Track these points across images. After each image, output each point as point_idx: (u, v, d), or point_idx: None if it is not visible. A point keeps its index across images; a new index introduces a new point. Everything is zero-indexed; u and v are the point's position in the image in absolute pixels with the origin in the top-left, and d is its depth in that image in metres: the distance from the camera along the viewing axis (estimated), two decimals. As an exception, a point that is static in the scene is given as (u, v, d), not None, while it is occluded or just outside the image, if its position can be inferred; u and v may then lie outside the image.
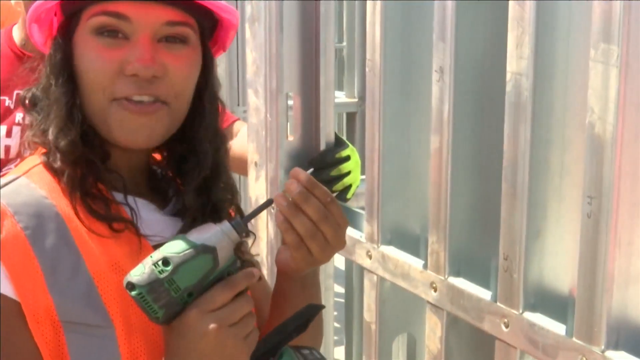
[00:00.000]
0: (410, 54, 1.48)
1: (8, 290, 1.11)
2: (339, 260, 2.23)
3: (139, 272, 1.08)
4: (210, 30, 1.30)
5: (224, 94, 3.69)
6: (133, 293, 1.07)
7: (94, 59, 1.17)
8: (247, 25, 1.88)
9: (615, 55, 1.02)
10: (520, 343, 1.22)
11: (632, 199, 1.06)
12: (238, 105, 3.69)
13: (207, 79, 1.28)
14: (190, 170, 1.28)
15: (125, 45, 1.17)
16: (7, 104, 2.11)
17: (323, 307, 1.29)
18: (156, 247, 1.14)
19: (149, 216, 1.24)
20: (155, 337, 1.16)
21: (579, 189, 1.11)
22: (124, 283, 1.08)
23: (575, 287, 1.12)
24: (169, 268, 1.07)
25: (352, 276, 3.50)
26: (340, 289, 3.68)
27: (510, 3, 1.18)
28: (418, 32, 1.47)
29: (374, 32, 1.48)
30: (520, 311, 1.22)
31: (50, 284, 1.12)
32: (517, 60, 1.18)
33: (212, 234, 1.11)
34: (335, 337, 2.16)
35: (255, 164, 1.89)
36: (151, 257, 1.09)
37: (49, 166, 1.19)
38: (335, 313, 2.13)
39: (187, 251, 1.08)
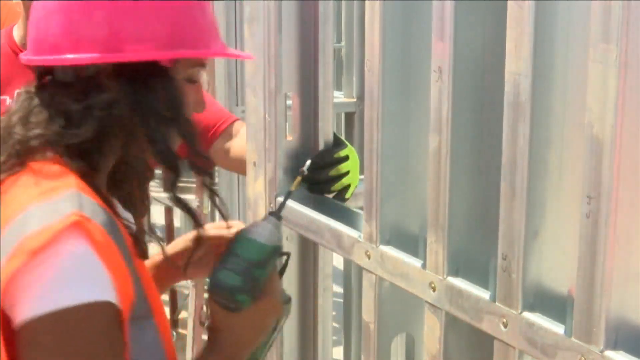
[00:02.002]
0: (409, 54, 1.48)
1: (114, 299, 1.18)
2: (337, 260, 2.23)
3: (240, 281, 1.30)
4: None
5: (223, 93, 3.70)
6: (238, 298, 1.31)
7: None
8: (245, 25, 1.88)
9: (614, 55, 1.02)
10: (519, 343, 1.22)
11: (631, 198, 1.06)
12: (237, 105, 3.70)
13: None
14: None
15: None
16: (8, 102, 2.11)
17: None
18: None
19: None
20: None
21: (577, 189, 1.11)
22: (225, 290, 1.33)
23: (574, 286, 1.12)
24: (260, 272, 1.32)
25: (351, 276, 3.50)
26: (338, 289, 3.68)
27: (509, 3, 1.18)
28: (417, 32, 1.47)
29: (373, 32, 1.48)
30: (519, 311, 1.22)
31: (133, 284, 1.23)
32: (516, 60, 1.18)
33: (274, 234, 1.34)
34: (334, 337, 2.15)
35: (254, 163, 1.89)
36: (244, 261, 1.30)
37: (83, 176, 1.27)
38: (334, 313, 2.13)
39: (267, 253, 1.32)
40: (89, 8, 1.25)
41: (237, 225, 1.53)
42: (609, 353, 1.08)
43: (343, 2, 3.96)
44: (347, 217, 1.69)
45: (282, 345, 1.93)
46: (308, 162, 1.35)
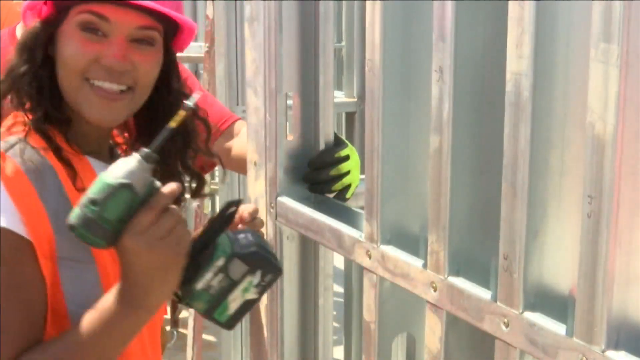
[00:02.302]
0: (409, 54, 1.48)
1: (22, 230, 1.33)
2: (338, 260, 2.23)
3: (75, 215, 1.28)
4: (173, 34, 1.59)
5: (223, 93, 3.70)
6: (75, 233, 1.28)
7: (75, 47, 1.45)
8: (246, 25, 1.88)
9: (616, 54, 1.02)
10: (520, 343, 1.22)
11: (633, 198, 1.06)
12: (237, 104, 3.70)
13: (167, 74, 1.59)
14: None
15: (104, 42, 1.45)
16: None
17: (241, 200, 1.54)
18: None
19: (103, 169, 1.44)
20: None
21: (579, 189, 1.10)
22: (67, 226, 1.29)
23: (575, 286, 1.12)
24: (97, 208, 1.27)
25: (352, 276, 3.51)
26: (338, 289, 3.68)
27: (510, 3, 1.18)
28: (417, 31, 1.47)
29: (374, 32, 1.48)
30: (520, 311, 1.22)
31: (52, 224, 1.36)
32: (517, 60, 1.18)
33: (126, 170, 1.29)
34: (335, 337, 2.15)
35: (255, 163, 1.89)
36: (81, 200, 1.29)
37: (39, 131, 1.44)
38: (334, 313, 2.13)
39: (108, 191, 1.27)
40: None
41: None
42: (610, 353, 1.08)
43: (343, 1, 3.96)
44: (348, 217, 1.69)
45: (282, 345, 1.93)
46: (195, 96, 1.37)
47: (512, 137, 1.20)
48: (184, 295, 1.39)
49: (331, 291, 2.00)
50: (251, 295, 1.41)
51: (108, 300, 1.35)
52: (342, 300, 3.65)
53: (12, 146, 1.40)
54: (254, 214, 1.69)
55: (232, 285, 1.39)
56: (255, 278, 1.40)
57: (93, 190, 1.29)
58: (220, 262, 1.38)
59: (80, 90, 1.46)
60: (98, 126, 1.50)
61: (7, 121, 1.47)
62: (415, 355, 1.67)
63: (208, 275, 1.37)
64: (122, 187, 1.28)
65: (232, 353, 3.77)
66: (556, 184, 1.21)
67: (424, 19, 1.42)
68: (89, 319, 1.34)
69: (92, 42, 1.45)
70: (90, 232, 1.28)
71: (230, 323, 1.43)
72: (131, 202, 1.29)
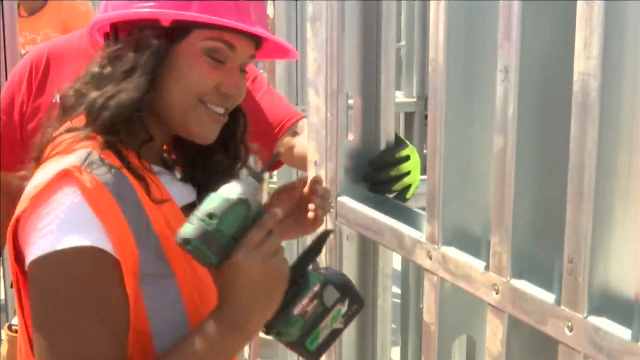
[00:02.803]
0: (473, 54, 1.47)
1: (108, 247, 1.27)
2: (396, 261, 2.22)
3: (190, 229, 1.28)
4: None
5: (283, 92, 3.71)
6: (188, 247, 1.27)
7: (201, 72, 1.43)
8: (308, 25, 1.88)
9: (688, 55, 1.00)
10: (584, 347, 1.20)
11: (703, 202, 1.04)
12: (297, 104, 3.71)
13: None
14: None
15: (222, 68, 1.45)
16: None
17: (332, 231, 1.62)
18: (183, 208, 1.43)
19: (169, 183, 1.47)
20: (205, 282, 1.37)
21: (647, 192, 1.09)
22: (178, 240, 1.28)
23: (642, 291, 1.11)
24: (215, 221, 1.28)
25: (409, 276, 3.49)
26: (395, 289, 3.67)
27: (579, 3, 1.16)
28: (482, 31, 1.45)
29: (437, 32, 1.47)
30: (585, 315, 1.20)
31: (136, 239, 1.30)
32: (585, 60, 1.16)
33: (242, 187, 1.32)
34: (392, 338, 2.15)
35: (315, 163, 1.89)
36: (195, 214, 1.29)
37: (111, 147, 1.37)
38: (392, 314, 2.13)
39: (226, 205, 1.29)
40: None
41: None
42: (678, 359, 1.06)
43: (403, 1, 3.95)
44: (408, 217, 1.68)
45: (340, 345, 1.93)
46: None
47: (579, 138, 1.18)
48: (277, 322, 1.37)
49: (390, 292, 1.99)
50: (338, 324, 1.42)
51: (208, 322, 1.32)
52: (399, 301, 3.64)
53: (85, 159, 1.32)
54: (321, 191, 1.71)
55: (324, 312, 1.40)
56: (344, 307, 1.42)
57: (210, 205, 1.29)
58: (316, 287, 1.39)
59: (193, 110, 1.44)
60: (200, 143, 1.49)
61: (64, 136, 1.40)
62: (475, 358, 1.66)
63: (305, 301, 1.38)
64: (240, 202, 1.31)
65: (289, 351, 3.78)
66: (623, 187, 1.19)
67: (487, 19, 1.41)
68: (189, 342, 1.30)
69: (215, 69, 1.44)
70: (206, 246, 1.28)
71: (319, 352, 1.42)
72: (245, 218, 1.31)
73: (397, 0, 3.57)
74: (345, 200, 1.81)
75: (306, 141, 1.96)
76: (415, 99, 3.91)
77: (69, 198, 1.26)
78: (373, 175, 1.82)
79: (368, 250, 1.91)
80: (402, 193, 1.84)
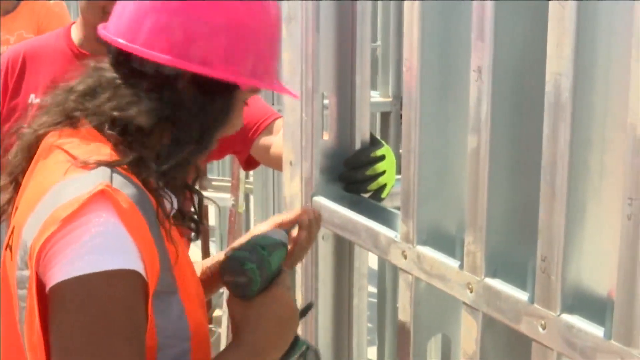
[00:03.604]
0: (448, 54, 1.48)
1: (140, 268, 1.24)
2: (372, 260, 2.23)
3: (251, 254, 1.45)
4: None
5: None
6: (247, 267, 1.42)
7: (240, 117, 1.47)
8: (283, 25, 1.88)
9: (658, 55, 1.01)
10: (557, 345, 1.21)
11: (674, 200, 1.05)
12: (273, 104, 3.71)
13: None
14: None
15: None
16: None
17: (313, 304, 1.74)
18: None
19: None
20: (201, 298, 1.44)
21: (618, 191, 1.10)
22: (232, 263, 1.43)
23: (614, 289, 1.11)
24: (267, 254, 1.46)
25: (385, 276, 3.50)
26: (372, 289, 3.68)
27: (551, 3, 1.17)
28: (456, 31, 1.46)
29: (412, 32, 1.47)
30: (558, 313, 1.21)
31: (159, 259, 1.29)
32: (557, 60, 1.17)
33: (282, 235, 1.55)
34: (368, 337, 2.15)
35: (290, 162, 1.89)
36: (249, 243, 1.48)
37: (134, 172, 1.32)
38: (368, 313, 2.13)
39: (277, 244, 1.50)
40: (195, 21, 1.33)
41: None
42: (650, 356, 1.07)
43: (379, 1, 3.96)
44: (383, 217, 1.68)
45: (316, 345, 1.93)
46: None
47: (552, 138, 1.19)
48: None
49: (366, 291, 1.99)
50: None
51: (233, 350, 1.41)
52: (375, 300, 3.65)
53: (112, 177, 1.28)
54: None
55: None
56: None
57: (264, 241, 1.49)
58: (303, 348, 1.55)
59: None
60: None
61: (76, 148, 1.34)
62: (450, 356, 1.66)
63: (293, 358, 1.54)
64: (284, 246, 1.53)
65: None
66: (596, 186, 1.20)
67: (462, 19, 1.42)
68: None
69: None
70: (259, 272, 1.43)
71: None
72: (283, 260, 1.52)
73: (372, 0, 3.57)
74: (321, 200, 1.81)
75: (281, 141, 1.96)
76: (391, 99, 3.92)
77: (105, 219, 1.23)
78: (348, 175, 1.83)
79: (344, 250, 1.91)
80: (378, 193, 1.84)
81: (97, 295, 1.22)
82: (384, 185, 1.84)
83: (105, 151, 1.32)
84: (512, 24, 1.30)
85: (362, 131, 1.83)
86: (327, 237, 1.89)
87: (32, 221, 1.28)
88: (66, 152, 1.33)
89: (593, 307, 1.20)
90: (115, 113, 1.33)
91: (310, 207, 1.67)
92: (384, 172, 1.83)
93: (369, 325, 2.98)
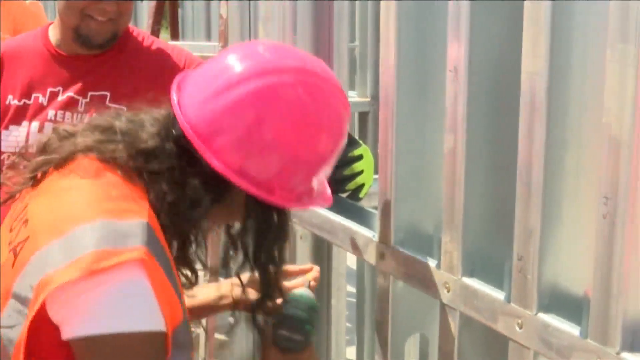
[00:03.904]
0: (424, 54, 1.48)
1: (164, 327, 1.23)
2: (350, 260, 2.23)
3: (306, 315, 1.52)
4: None
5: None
6: (307, 328, 1.51)
7: None
8: (260, 25, 1.88)
9: (632, 55, 1.02)
10: (534, 344, 1.21)
11: (649, 199, 1.05)
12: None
13: None
14: None
15: None
16: (40, 100, 2.13)
17: None
18: None
19: None
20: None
21: (594, 190, 1.10)
22: (297, 321, 1.50)
23: (590, 288, 1.12)
24: (316, 316, 1.55)
25: (364, 276, 3.49)
26: (351, 289, 3.67)
27: (526, 2, 1.17)
28: (432, 31, 1.46)
29: (388, 32, 1.47)
30: (535, 312, 1.21)
31: (180, 318, 1.28)
32: (533, 60, 1.17)
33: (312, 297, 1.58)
34: (347, 337, 2.15)
35: (268, 163, 1.89)
36: (306, 304, 1.53)
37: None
38: (347, 312, 2.13)
39: (315, 309, 1.55)
40: (270, 146, 1.29)
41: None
42: (625, 355, 1.07)
43: (357, 1, 3.95)
44: (361, 217, 1.68)
45: (295, 345, 1.92)
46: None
47: (527, 137, 1.19)
48: None
49: (344, 291, 2.00)
50: None
51: None
52: (354, 300, 3.65)
53: (146, 236, 1.26)
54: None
55: None
56: None
57: (312, 303, 1.55)
58: None
59: None
60: None
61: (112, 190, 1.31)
62: (428, 355, 1.67)
63: None
64: (317, 311, 1.59)
65: (245, 353, 3.77)
66: (571, 185, 1.20)
67: (438, 19, 1.42)
68: None
69: None
70: (312, 330, 1.52)
71: None
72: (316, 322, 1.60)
73: (350, 0, 3.57)
74: (299, 200, 1.81)
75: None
76: (369, 99, 3.91)
77: (138, 282, 1.22)
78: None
79: (322, 250, 1.91)
80: (355, 192, 1.84)
81: (126, 354, 1.22)
82: (362, 185, 1.84)
83: (143, 204, 1.29)
84: (487, 24, 1.31)
85: (340, 131, 1.83)
86: (305, 236, 1.89)
87: (55, 249, 1.23)
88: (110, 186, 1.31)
89: (569, 306, 1.20)
90: (167, 188, 1.32)
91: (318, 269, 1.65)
92: (361, 172, 1.83)
93: (348, 325, 2.97)
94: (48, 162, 1.37)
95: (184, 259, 1.42)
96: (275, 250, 1.41)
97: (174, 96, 1.34)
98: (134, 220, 1.24)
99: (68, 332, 1.21)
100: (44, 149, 1.40)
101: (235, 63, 1.31)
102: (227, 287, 1.62)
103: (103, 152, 1.33)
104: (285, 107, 1.28)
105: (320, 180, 1.40)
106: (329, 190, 1.48)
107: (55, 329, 1.22)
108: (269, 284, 1.44)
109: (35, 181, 1.38)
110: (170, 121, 1.34)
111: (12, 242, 1.32)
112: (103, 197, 1.28)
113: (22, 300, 1.24)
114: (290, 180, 1.32)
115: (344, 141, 1.39)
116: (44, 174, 1.37)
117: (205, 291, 1.65)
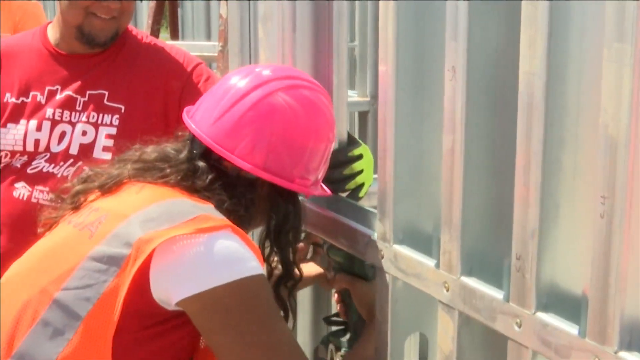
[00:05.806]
0: (423, 53, 1.48)
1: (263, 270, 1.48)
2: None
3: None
4: None
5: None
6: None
7: None
8: (260, 25, 1.88)
9: (629, 54, 1.02)
10: (532, 343, 1.22)
11: (646, 199, 1.06)
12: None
13: None
14: None
15: None
16: (38, 99, 2.14)
17: None
18: None
19: None
20: None
21: (592, 189, 1.10)
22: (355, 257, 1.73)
23: (588, 287, 1.12)
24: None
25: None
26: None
27: (523, 3, 1.18)
28: (431, 31, 1.46)
29: (387, 32, 1.48)
30: (533, 311, 1.21)
31: None
32: (530, 60, 1.18)
33: None
34: (347, 336, 2.16)
35: (268, 162, 1.89)
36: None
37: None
38: (347, 312, 2.13)
39: None
40: (294, 144, 1.57)
41: None
42: (623, 354, 1.08)
43: (357, 1, 3.96)
44: (360, 216, 1.69)
45: (295, 344, 1.93)
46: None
47: (525, 137, 1.20)
48: None
49: (344, 290, 1.99)
50: None
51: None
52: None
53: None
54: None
55: None
56: None
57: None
58: None
59: None
60: None
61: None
62: (427, 355, 1.67)
63: None
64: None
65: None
66: (569, 184, 1.21)
67: (437, 19, 1.42)
68: None
69: None
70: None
71: None
72: None
73: (349, 0, 3.58)
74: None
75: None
76: (369, 99, 3.92)
77: (235, 238, 1.45)
78: (326, 174, 1.83)
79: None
80: (355, 192, 1.85)
81: (256, 294, 1.46)
82: (362, 185, 1.84)
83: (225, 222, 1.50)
84: (486, 24, 1.31)
85: (340, 131, 1.83)
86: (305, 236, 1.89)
87: (154, 210, 1.45)
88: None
89: (568, 305, 1.20)
90: (225, 197, 1.55)
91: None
92: (361, 171, 1.83)
93: (348, 324, 2.97)
94: (89, 189, 1.59)
95: None
96: (294, 234, 1.64)
97: (189, 122, 1.59)
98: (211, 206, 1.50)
99: (188, 289, 1.42)
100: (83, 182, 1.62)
101: (238, 82, 1.58)
102: None
103: (152, 177, 1.55)
104: (285, 107, 1.55)
105: (322, 175, 1.66)
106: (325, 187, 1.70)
107: (142, 292, 1.41)
108: (289, 263, 1.65)
109: (76, 206, 1.58)
110: (192, 143, 1.58)
111: (81, 223, 1.52)
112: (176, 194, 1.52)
113: (108, 259, 1.41)
114: (307, 167, 1.58)
115: (334, 121, 1.65)
116: (86, 199, 1.58)
117: None
